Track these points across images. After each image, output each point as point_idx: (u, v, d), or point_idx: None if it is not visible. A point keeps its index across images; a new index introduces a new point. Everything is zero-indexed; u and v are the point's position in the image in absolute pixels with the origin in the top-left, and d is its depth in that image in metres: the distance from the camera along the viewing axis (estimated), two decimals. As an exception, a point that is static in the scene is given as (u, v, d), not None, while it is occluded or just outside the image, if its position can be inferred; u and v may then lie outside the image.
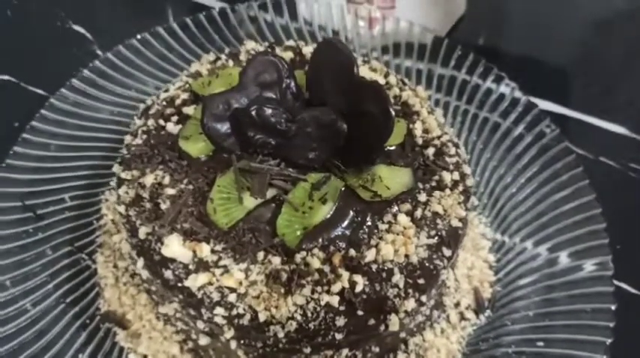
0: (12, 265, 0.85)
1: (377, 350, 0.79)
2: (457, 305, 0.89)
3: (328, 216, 0.71)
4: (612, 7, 1.32)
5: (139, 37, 1.09)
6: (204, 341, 0.75)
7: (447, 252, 0.74)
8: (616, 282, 0.86)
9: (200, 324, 0.71)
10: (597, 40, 1.30)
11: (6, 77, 1.15)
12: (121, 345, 0.83)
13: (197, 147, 0.76)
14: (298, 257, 0.69)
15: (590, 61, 1.26)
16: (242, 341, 0.71)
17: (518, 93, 1.06)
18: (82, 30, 1.23)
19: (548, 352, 0.82)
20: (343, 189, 0.73)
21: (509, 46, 1.29)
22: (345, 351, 0.74)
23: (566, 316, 0.84)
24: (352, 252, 0.70)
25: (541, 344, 0.83)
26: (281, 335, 0.68)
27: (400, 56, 1.14)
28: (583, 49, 1.28)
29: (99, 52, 1.17)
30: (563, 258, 0.90)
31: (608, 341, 0.80)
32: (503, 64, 1.09)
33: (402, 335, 0.81)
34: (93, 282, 0.88)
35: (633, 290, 0.94)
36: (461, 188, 0.77)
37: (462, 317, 0.88)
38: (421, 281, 0.71)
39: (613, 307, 0.83)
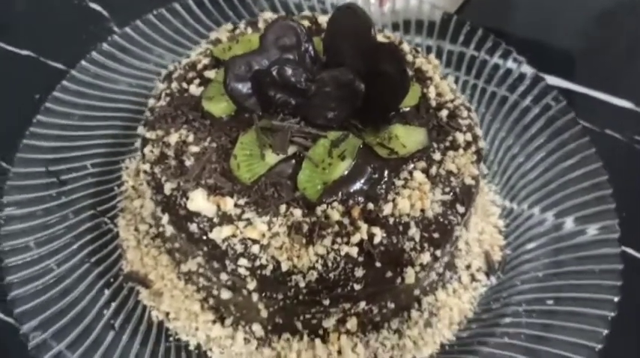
0: (37, 227, 0.88)
1: (392, 306, 0.82)
2: (468, 267, 0.91)
3: (347, 172, 0.74)
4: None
5: (155, 12, 1.11)
6: (226, 295, 0.78)
7: (461, 209, 0.77)
8: (622, 247, 0.89)
9: (223, 277, 0.74)
10: (603, 20, 1.32)
11: (26, 52, 1.18)
12: (144, 303, 0.86)
13: (220, 107, 0.79)
14: (319, 210, 0.72)
15: (596, 41, 1.28)
16: (263, 294, 0.74)
17: (525, 67, 1.09)
18: (98, 8, 1.26)
19: (558, 309, 0.84)
20: (361, 146, 0.76)
21: (516, 29, 1.31)
22: (362, 304, 0.77)
23: (574, 276, 0.87)
24: (370, 206, 0.73)
25: (551, 302, 0.85)
26: (302, 284, 0.71)
27: (410, 33, 1.17)
28: (589, 31, 1.31)
29: (116, 29, 1.20)
30: (570, 223, 0.93)
31: (616, 298, 0.83)
32: (510, 43, 1.12)
33: (416, 292, 0.84)
34: (115, 244, 0.91)
35: (639, 255, 0.97)
36: (473, 148, 0.80)
37: (473, 279, 0.91)
38: (436, 235, 0.74)
39: (620, 267, 0.86)
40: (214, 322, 0.85)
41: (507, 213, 0.98)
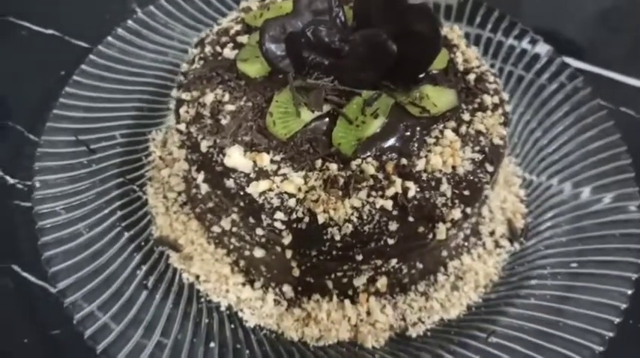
0: (67, 192, 0.89)
1: (420, 266, 0.83)
2: (492, 233, 0.93)
3: (380, 129, 0.76)
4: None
5: (179, -9, 1.14)
6: (259, 253, 0.79)
7: (490, 168, 0.78)
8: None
9: (259, 232, 0.75)
10: (615, 8, 1.35)
11: (50, 31, 1.20)
12: (175, 266, 0.87)
13: (254, 68, 0.80)
14: (354, 164, 0.74)
15: (608, 26, 1.31)
16: (297, 250, 0.76)
17: (541, 47, 1.11)
18: (121, -11, 1.28)
19: (582, 272, 0.86)
20: (393, 105, 0.77)
21: (530, 14, 1.34)
22: (393, 262, 0.79)
23: (596, 241, 0.89)
24: (404, 161, 0.74)
25: (575, 265, 0.87)
26: (337, 237, 0.72)
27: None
28: (605, 14, 1.34)
29: (138, 10, 1.22)
30: (587, 192, 0.95)
31: (639, 261, 0.85)
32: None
33: (444, 254, 0.85)
34: (144, 211, 0.92)
35: (656, 224, 0.99)
36: (500, 111, 0.82)
37: (497, 245, 0.93)
38: (466, 192, 0.76)
39: (640, 231, 0.88)
40: (244, 284, 0.86)
41: (527, 185, 1.00)
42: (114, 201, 0.91)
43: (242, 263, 0.85)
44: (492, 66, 1.13)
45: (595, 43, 1.27)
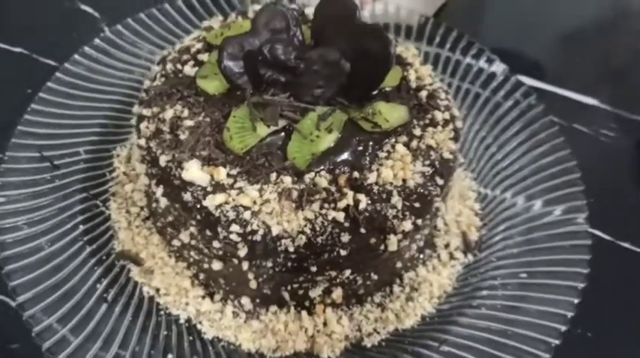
0: (29, 208, 0.90)
1: (375, 277, 0.86)
2: (447, 246, 0.96)
3: (333, 143, 0.79)
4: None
5: (146, 12, 1.16)
6: (217, 266, 0.81)
7: (440, 181, 0.81)
8: (590, 229, 0.94)
9: (215, 245, 0.77)
10: (575, 27, 1.41)
11: (18, 50, 1.21)
12: (135, 280, 0.88)
13: (213, 85, 0.83)
14: (307, 177, 0.76)
15: (565, 44, 1.36)
16: (253, 262, 0.78)
17: (497, 66, 1.15)
18: (89, 9, 1.30)
19: (531, 282, 0.89)
20: (347, 120, 0.80)
21: (488, 33, 1.39)
22: (347, 273, 0.81)
23: (546, 252, 0.92)
24: (356, 174, 0.77)
25: (524, 275, 0.90)
26: (291, 249, 0.74)
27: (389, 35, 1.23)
28: (560, 34, 1.39)
29: (106, 29, 1.24)
30: (539, 205, 0.98)
31: (585, 271, 0.88)
32: (483, 44, 1.19)
33: (398, 265, 0.87)
34: (107, 226, 0.93)
35: (606, 237, 1.03)
36: (451, 126, 0.86)
37: (452, 257, 0.95)
38: (417, 204, 0.79)
39: (588, 242, 0.91)
40: (204, 297, 0.88)
41: (482, 198, 1.03)
42: (76, 215, 0.92)
43: (202, 276, 0.87)
44: (450, 84, 1.16)
45: (551, 62, 1.31)
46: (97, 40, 1.11)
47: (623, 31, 1.41)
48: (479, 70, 1.16)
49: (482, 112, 1.12)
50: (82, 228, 0.91)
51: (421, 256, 0.93)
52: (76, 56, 1.08)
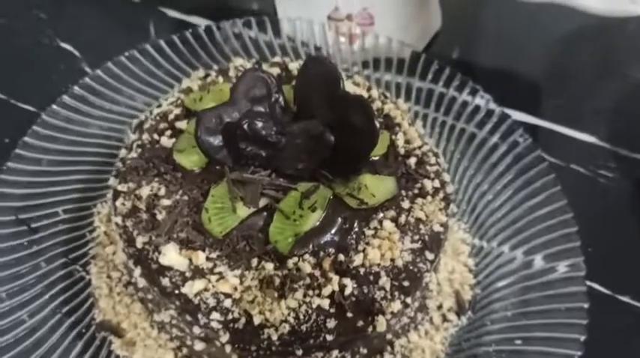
0: (8, 277, 0.87)
1: (365, 351, 0.83)
2: (440, 307, 0.93)
3: (318, 223, 0.75)
4: (581, 22, 1.38)
5: (127, 54, 1.11)
6: (199, 346, 0.78)
7: (430, 256, 0.78)
8: (588, 283, 0.91)
9: (196, 330, 0.75)
10: (566, 54, 1.36)
11: (-5, 94, 1.18)
12: (117, 353, 0.86)
13: (191, 160, 0.79)
14: (290, 262, 0.73)
15: (559, 75, 1.32)
16: (236, 345, 0.75)
17: (492, 105, 1.11)
18: (69, 47, 1.26)
19: (526, 349, 0.86)
20: (331, 197, 0.77)
21: (483, 60, 1.34)
22: (335, 353, 0.78)
23: (542, 315, 0.89)
24: (341, 257, 0.74)
25: (519, 342, 0.87)
26: (274, 337, 0.72)
27: (380, 70, 1.19)
28: (553, 62, 1.34)
29: (87, 69, 1.20)
30: (538, 261, 0.95)
31: (582, 337, 0.85)
32: (477, 77, 1.14)
33: (389, 336, 0.85)
34: (87, 293, 0.91)
35: (605, 290, 0.99)
36: (441, 195, 0.82)
37: (445, 319, 0.92)
38: (406, 283, 0.76)
39: (586, 305, 0.88)
40: (188, 371, 0.85)
41: (477, 252, 0.99)
42: (56, 283, 0.90)
43: (185, 350, 0.84)
44: (444, 123, 1.12)
45: (548, 95, 1.27)
46: (75, 88, 1.07)
47: (621, 56, 1.36)
48: (474, 108, 1.12)
49: (477, 156, 1.08)
50: (61, 297, 0.89)
51: (413, 321, 0.89)
52: (54, 106, 1.04)
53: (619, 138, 1.18)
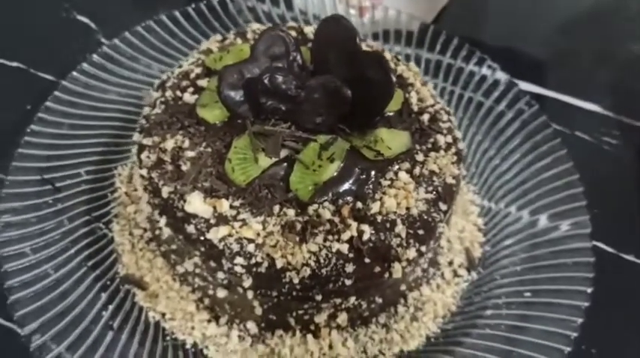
0: (33, 233, 0.90)
1: (380, 301, 0.86)
2: (450, 263, 0.96)
3: (336, 173, 0.78)
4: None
5: (143, 24, 1.14)
6: (221, 294, 0.81)
7: (443, 207, 0.81)
8: (594, 242, 0.94)
9: (220, 275, 0.78)
10: (572, 29, 1.39)
11: (15, 64, 1.20)
12: (141, 305, 0.89)
13: (213, 114, 0.82)
14: (310, 209, 0.76)
15: (565, 48, 1.35)
16: (258, 291, 0.78)
17: (499, 74, 1.14)
18: (86, 20, 1.28)
19: (535, 301, 0.89)
20: (349, 149, 0.80)
21: (490, 35, 1.37)
22: (352, 299, 0.81)
23: (549, 269, 0.92)
24: (359, 205, 0.77)
25: (528, 294, 0.90)
26: (296, 281, 0.75)
27: (389, 42, 1.22)
28: (558, 36, 1.38)
29: (104, 41, 1.23)
30: (545, 220, 0.98)
31: (589, 290, 0.88)
32: (484, 51, 1.17)
33: (402, 287, 0.88)
34: (111, 249, 0.94)
35: (609, 249, 1.03)
36: (454, 150, 0.85)
37: (455, 275, 0.95)
38: (421, 232, 0.79)
39: (592, 260, 0.91)
40: (209, 321, 0.88)
41: (486, 212, 1.03)
42: (80, 240, 0.92)
43: (207, 300, 0.87)
44: (452, 92, 1.16)
45: (553, 68, 1.30)
46: (94, 56, 1.10)
47: (624, 32, 1.39)
48: (481, 78, 1.15)
49: (485, 123, 1.11)
50: (86, 252, 0.92)
51: (425, 275, 0.93)
52: (74, 73, 1.07)
53: (622, 107, 1.21)
